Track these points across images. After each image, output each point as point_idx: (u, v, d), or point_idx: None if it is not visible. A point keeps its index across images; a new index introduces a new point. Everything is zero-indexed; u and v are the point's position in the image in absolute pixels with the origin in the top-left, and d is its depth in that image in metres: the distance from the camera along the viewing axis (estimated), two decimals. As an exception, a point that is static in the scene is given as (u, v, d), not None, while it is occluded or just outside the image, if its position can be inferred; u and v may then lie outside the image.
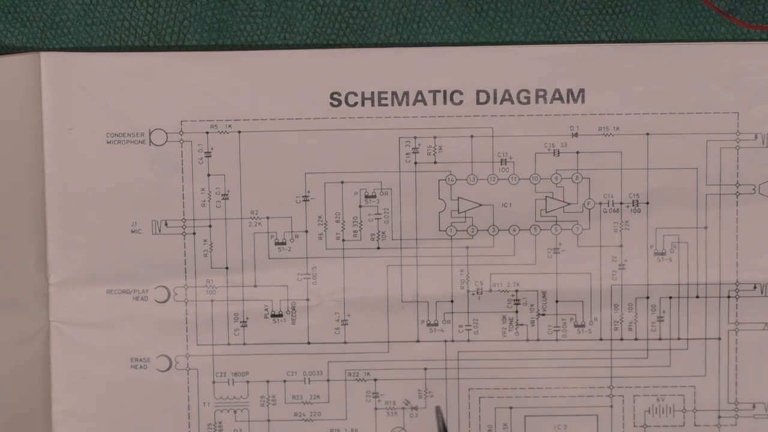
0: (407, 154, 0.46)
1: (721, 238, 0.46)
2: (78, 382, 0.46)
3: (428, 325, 0.46)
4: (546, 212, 0.46)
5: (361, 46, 0.46)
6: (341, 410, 0.47)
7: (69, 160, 0.45)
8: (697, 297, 0.46)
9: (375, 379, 0.47)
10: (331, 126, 0.46)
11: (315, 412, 0.47)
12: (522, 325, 0.46)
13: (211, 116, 0.46)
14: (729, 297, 0.46)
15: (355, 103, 0.46)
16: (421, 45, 0.46)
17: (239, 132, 0.46)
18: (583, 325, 0.46)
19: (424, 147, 0.46)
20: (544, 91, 0.45)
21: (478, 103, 0.45)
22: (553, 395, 0.47)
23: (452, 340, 0.46)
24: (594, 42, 0.46)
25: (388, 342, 0.46)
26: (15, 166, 0.45)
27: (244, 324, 0.46)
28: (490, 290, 0.46)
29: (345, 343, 0.46)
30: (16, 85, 0.45)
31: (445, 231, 0.46)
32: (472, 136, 0.46)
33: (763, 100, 0.45)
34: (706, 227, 0.46)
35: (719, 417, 0.47)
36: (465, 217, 0.46)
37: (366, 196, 0.46)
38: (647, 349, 0.46)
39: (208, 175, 0.46)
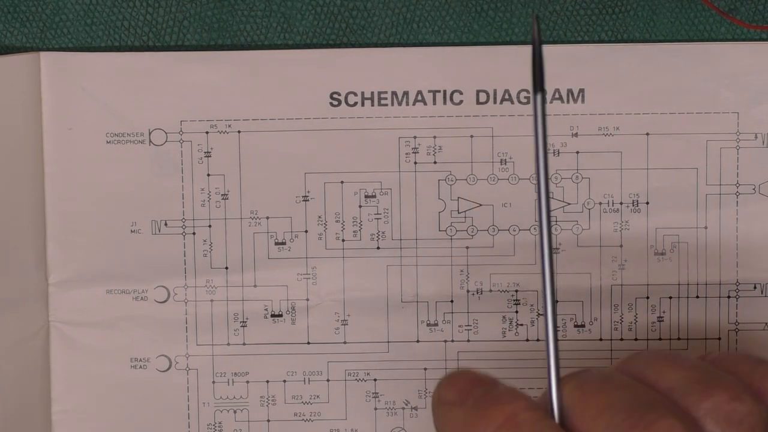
0: (407, 154, 0.46)
1: (721, 238, 0.46)
2: (78, 382, 0.46)
3: (428, 325, 0.46)
4: (546, 212, 0.46)
5: (361, 46, 0.46)
6: (341, 410, 0.47)
7: (69, 160, 0.45)
8: (697, 297, 0.46)
9: (375, 379, 0.47)
10: (331, 126, 0.46)
11: (315, 412, 0.47)
12: (522, 325, 0.46)
13: (211, 116, 0.46)
14: (729, 297, 0.46)
15: (355, 103, 0.46)
16: (421, 45, 0.46)
17: (239, 132, 0.46)
18: (583, 325, 0.46)
19: (424, 147, 0.46)
20: (544, 91, 0.45)
21: (478, 103, 0.45)
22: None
23: (452, 340, 0.46)
24: (594, 42, 0.46)
25: (388, 342, 0.46)
26: (15, 166, 0.45)
27: (243, 324, 0.46)
28: (490, 290, 0.46)
29: (345, 343, 0.46)
30: (16, 85, 0.45)
31: (445, 231, 0.46)
32: (472, 136, 0.46)
33: (763, 100, 0.45)
34: (706, 227, 0.46)
35: (719, 417, 0.46)
36: (465, 217, 0.46)
37: (366, 196, 0.46)
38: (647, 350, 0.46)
39: (208, 175, 0.46)
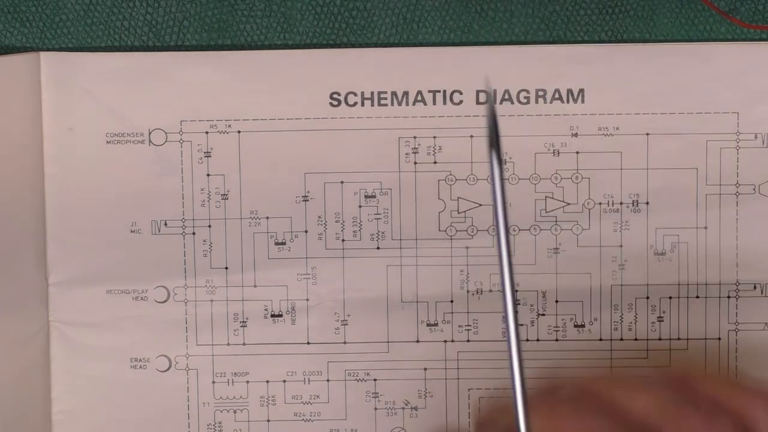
0: (407, 154, 0.46)
1: (721, 238, 0.46)
2: (78, 382, 0.46)
3: (428, 325, 0.46)
4: (546, 212, 0.46)
5: (361, 46, 0.46)
6: (341, 410, 0.47)
7: (69, 160, 0.45)
8: (697, 297, 0.46)
9: (375, 379, 0.47)
10: (331, 126, 0.46)
11: (315, 412, 0.47)
12: (522, 325, 0.46)
13: (211, 116, 0.46)
14: (729, 297, 0.46)
15: (355, 103, 0.46)
16: (421, 45, 0.46)
17: (239, 132, 0.46)
18: (583, 325, 0.46)
19: (424, 147, 0.46)
20: (544, 91, 0.45)
21: (478, 103, 0.45)
22: (553, 395, 0.46)
23: (452, 340, 0.46)
24: (594, 42, 0.46)
25: (388, 342, 0.46)
26: (15, 166, 0.45)
27: (243, 324, 0.46)
28: (490, 290, 0.46)
29: (345, 343, 0.46)
30: (16, 85, 0.45)
31: (445, 231, 0.46)
32: (472, 136, 0.46)
33: (763, 100, 0.45)
34: (706, 227, 0.46)
35: (719, 417, 0.46)
36: (465, 217, 0.46)
37: (366, 196, 0.46)
38: (647, 349, 0.46)
39: (208, 175, 0.46)
